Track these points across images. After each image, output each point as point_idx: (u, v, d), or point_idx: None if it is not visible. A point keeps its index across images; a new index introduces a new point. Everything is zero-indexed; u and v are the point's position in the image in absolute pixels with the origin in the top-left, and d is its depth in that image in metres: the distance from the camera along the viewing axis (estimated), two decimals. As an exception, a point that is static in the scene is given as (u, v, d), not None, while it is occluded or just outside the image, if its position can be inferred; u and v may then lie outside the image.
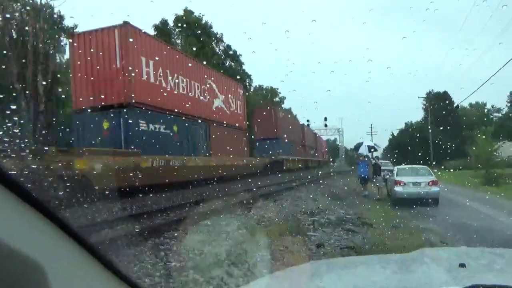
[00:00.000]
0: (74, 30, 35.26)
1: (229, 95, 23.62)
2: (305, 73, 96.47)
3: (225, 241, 6.68)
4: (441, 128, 43.27)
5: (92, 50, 13.72)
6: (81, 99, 13.88)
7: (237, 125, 24.25)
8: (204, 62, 24.19)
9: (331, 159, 57.11)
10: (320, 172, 33.97)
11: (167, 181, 13.39)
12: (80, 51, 14.19)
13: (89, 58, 13.82)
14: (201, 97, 19.60)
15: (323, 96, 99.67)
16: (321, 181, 23.38)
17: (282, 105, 61.78)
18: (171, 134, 16.25)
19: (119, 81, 13.68)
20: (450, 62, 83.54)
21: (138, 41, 14.14)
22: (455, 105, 51.81)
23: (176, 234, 7.35)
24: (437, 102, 50.60)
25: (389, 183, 15.56)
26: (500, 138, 35.40)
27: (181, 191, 14.30)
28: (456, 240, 6.96)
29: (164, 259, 5.85)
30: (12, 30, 27.67)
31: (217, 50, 40.96)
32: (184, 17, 38.00)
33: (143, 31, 15.19)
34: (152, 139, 14.38)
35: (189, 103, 17.71)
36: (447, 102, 50.77)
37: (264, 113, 30.19)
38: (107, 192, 9.48)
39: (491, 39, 77.92)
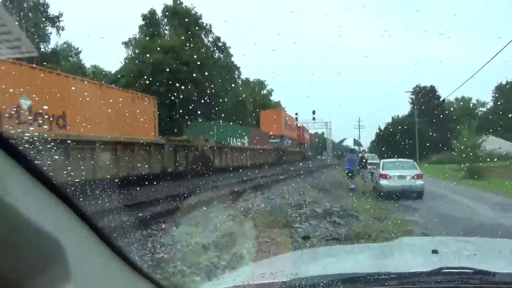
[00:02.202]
0: (60, 19, 34.65)
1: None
2: (296, 67, 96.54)
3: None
4: (427, 122, 43.90)
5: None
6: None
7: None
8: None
9: (309, 153, 54.23)
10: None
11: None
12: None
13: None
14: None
15: (312, 90, 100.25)
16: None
17: (271, 98, 61.83)
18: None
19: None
20: (438, 57, 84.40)
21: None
22: (441, 99, 52.56)
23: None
24: (424, 96, 51.23)
25: (375, 176, 15.79)
26: (489, 131, 36.14)
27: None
28: (438, 231, 7.15)
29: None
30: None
31: (206, 41, 40.71)
32: (173, 7, 37.64)
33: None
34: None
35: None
36: (433, 96, 51.45)
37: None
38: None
39: (478, 34, 78.84)
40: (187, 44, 33.43)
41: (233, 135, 24.62)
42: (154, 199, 10.27)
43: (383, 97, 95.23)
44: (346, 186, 16.27)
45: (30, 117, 10.36)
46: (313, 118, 52.59)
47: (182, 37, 33.60)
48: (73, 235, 0.67)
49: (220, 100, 32.90)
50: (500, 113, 59.68)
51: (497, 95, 66.73)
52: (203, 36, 40.18)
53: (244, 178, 16.59)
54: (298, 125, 42.01)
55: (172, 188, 12.39)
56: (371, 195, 14.40)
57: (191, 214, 8.04)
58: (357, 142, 19.49)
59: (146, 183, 11.90)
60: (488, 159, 24.60)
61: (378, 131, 56.71)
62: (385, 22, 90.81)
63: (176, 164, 15.84)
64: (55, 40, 37.94)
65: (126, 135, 13.62)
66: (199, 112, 26.65)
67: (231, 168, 19.35)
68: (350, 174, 16.90)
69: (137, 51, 36.16)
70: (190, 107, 27.17)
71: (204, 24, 40.02)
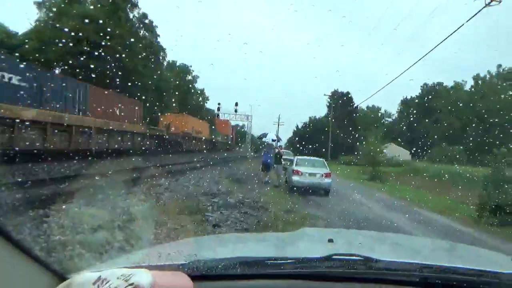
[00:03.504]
0: None
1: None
2: (221, 56, 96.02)
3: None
4: (341, 125, 46.96)
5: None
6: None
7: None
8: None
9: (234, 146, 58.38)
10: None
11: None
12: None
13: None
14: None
15: (237, 81, 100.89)
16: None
17: (195, 84, 60.89)
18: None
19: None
20: (356, 66, 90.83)
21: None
22: (354, 106, 56.52)
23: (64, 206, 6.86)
24: (340, 101, 54.59)
25: (288, 172, 16.44)
26: (392, 139, 39.92)
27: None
28: (337, 224, 7.71)
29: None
30: None
31: (131, 16, 38.51)
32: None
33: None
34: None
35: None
36: (348, 102, 55.11)
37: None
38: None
39: (392, 50, 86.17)
40: (110, 16, 31.31)
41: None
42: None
43: (303, 97, 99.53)
44: (261, 179, 16.70)
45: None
46: (235, 110, 53.06)
47: (105, 8, 31.35)
48: None
49: (142, 80, 31.43)
50: (402, 124, 66.32)
51: (401, 108, 73.93)
52: (128, 10, 37.92)
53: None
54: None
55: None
56: (283, 189, 14.98)
57: (99, 195, 7.60)
58: (277, 138, 20.05)
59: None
60: (388, 164, 27.18)
61: (295, 129, 59.19)
62: (313, 28, 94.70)
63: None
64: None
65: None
66: (117, 90, 25.18)
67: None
68: (265, 168, 17.35)
69: (51, 15, 32.82)
70: (108, 82, 25.57)
71: (131, -2, 37.76)
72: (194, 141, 33.00)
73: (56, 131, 13.92)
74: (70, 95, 16.84)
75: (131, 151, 18.24)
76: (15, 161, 10.48)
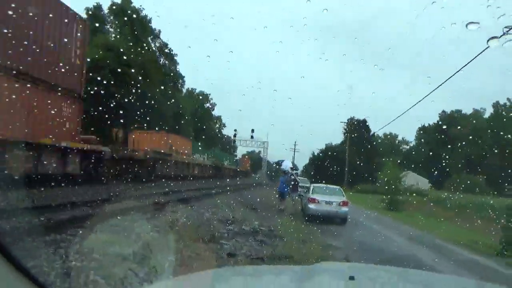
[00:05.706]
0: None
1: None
2: (237, 84, 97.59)
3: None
4: (357, 153, 46.50)
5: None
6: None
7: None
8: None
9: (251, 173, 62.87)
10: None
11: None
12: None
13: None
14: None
15: (253, 108, 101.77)
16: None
17: (212, 112, 61.71)
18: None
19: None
20: (374, 94, 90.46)
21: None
22: (371, 133, 56.08)
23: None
24: (356, 128, 54.27)
25: (304, 200, 16.22)
26: (410, 167, 39.22)
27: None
28: (357, 257, 7.48)
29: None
30: None
31: (153, 46, 39.77)
32: (121, 5, 36.35)
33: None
34: None
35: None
36: (364, 129, 54.72)
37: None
38: None
39: (406, 81, 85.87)
40: (132, 46, 32.39)
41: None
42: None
43: (319, 124, 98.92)
44: (276, 207, 16.51)
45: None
46: (252, 137, 53.35)
47: (128, 38, 32.50)
48: None
49: (160, 107, 32.10)
50: (420, 152, 65.27)
51: (419, 135, 73.04)
52: (150, 40, 39.22)
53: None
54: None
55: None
56: (298, 217, 14.74)
57: (112, 221, 7.63)
58: (294, 166, 20.00)
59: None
60: (406, 193, 26.55)
61: (312, 156, 58.80)
62: (324, 44, 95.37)
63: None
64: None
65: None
66: (137, 117, 25.73)
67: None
68: (281, 195, 17.18)
69: (76, 45, 34.18)
70: (127, 110, 26.16)
71: (153, 28, 39.16)
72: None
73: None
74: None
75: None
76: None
